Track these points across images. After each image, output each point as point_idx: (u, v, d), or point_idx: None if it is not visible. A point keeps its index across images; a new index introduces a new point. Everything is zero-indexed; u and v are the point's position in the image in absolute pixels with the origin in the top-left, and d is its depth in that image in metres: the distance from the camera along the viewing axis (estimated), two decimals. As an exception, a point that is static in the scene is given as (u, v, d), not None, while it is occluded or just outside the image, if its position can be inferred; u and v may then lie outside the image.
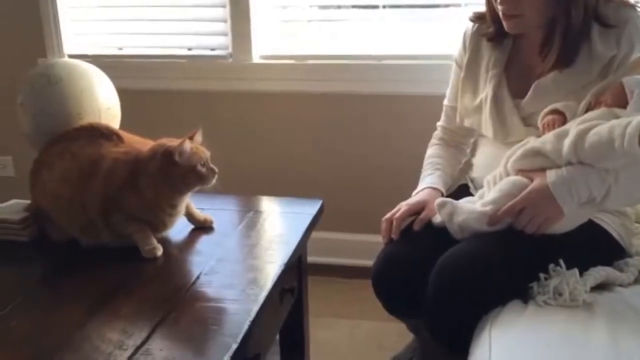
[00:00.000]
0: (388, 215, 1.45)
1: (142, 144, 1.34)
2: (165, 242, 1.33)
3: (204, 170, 1.28)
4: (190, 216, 1.41)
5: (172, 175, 1.26)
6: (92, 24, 2.49)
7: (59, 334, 1.02)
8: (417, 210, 1.44)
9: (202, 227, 1.41)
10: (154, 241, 1.29)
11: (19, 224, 1.36)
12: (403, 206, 1.46)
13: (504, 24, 1.39)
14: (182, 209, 1.35)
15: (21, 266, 1.30)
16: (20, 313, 1.09)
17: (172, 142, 1.27)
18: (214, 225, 1.42)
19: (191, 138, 1.29)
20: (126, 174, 1.28)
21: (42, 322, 1.07)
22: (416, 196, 1.51)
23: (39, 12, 2.42)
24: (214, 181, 1.30)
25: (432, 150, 1.64)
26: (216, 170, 1.29)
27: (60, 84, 1.39)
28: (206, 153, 1.29)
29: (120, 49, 2.48)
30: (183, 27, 2.41)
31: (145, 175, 1.27)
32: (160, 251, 1.28)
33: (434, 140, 1.68)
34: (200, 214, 1.42)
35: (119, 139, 1.35)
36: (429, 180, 1.55)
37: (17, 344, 1.01)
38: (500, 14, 1.38)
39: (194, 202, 1.41)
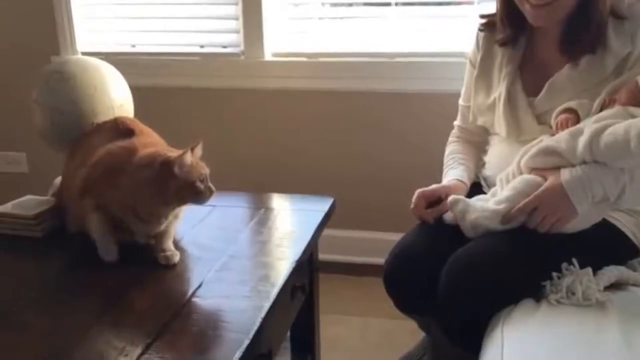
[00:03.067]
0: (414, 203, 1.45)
1: (149, 145, 1.27)
2: (176, 239, 1.34)
3: (202, 186, 1.21)
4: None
5: (167, 187, 1.19)
6: (105, 21, 2.50)
7: (72, 330, 1.03)
8: (443, 194, 1.43)
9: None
10: (171, 246, 1.26)
11: (33, 219, 1.37)
12: (418, 193, 1.45)
13: (531, 16, 1.36)
14: (162, 220, 1.25)
15: (35, 261, 1.31)
16: (33, 308, 1.10)
17: (171, 152, 1.22)
18: (225, 222, 1.42)
19: (192, 150, 1.22)
20: (111, 166, 1.23)
21: (56, 317, 1.08)
22: (443, 182, 1.50)
23: (52, 10, 2.44)
24: (209, 200, 1.23)
25: (453, 147, 1.63)
26: (214, 189, 1.23)
27: (73, 80, 1.40)
28: (206, 169, 1.23)
29: (133, 46, 2.49)
30: (195, 24, 2.42)
31: (130, 178, 1.20)
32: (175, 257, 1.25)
33: (452, 139, 1.66)
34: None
35: (131, 134, 1.31)
36: (454, 174, 1.52)
37: (30, 339, 1.01)
38: (528, 6, 1.36)
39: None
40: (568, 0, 1.33)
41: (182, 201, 1.24)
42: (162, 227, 1.26)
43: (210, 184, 1.23)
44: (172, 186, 1.19)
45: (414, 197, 1.45)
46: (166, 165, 1.18)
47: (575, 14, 1.35)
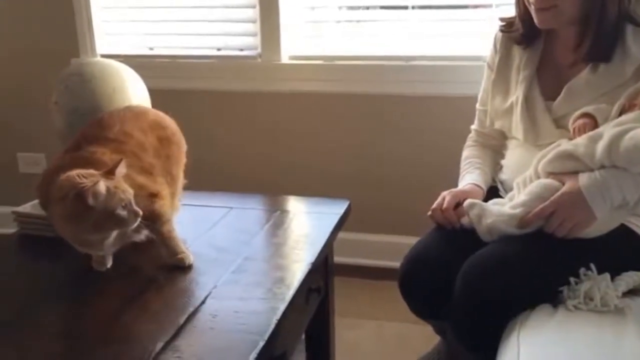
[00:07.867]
0: (435, 205, 1.43)
1: (78, 163, 1.13)
2: (189, 239, 1.35)
3: (124, 213, 1.09)
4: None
5: (84, 219, 1.07)
6: (124, 24, 2.53)
7: (89, 329, 1.04)
8: (461, 199, 1.41)
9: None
10: (183, 247, 1.24)
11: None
12: (447, 195, 1.44)
13: (536, 17, 1.37)
14: (100, 246, 1.15)
15: (53, 262, 1.32)
16: (51, 308, 1.12)
17: (86, 176, 1.08)
18: (241, 224, 1.42)
19: (111, 172, 1.10)
20: (42, 192, 1.16)
21: (73, 317, 1.09)
22: (460, 187, 1.49)
23: (72, 13, 2.47)
24: (135, 225, 1.12)
25: (469, 152, 1.62)
26: (140, 212, 1.11)
27: (93, 82, 1.42)
28: (128, 192, 1.10)
29: (152, 49, 2.51)
30: (213, 27, 2.43)
31: (50, 211, 1.12)
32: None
33: (469, 142, 1.65)
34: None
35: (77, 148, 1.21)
36: (470, 178, 1.52)
37: (47, 338, 1.02)
38: (533, 8, 1.37)
39: (217, 200, 1.37)
40: (568, 6, 1.33)
41: (106, 230, 1.11)
42: (106, 249, 1.18)
43: (135, 207, 1.11)
44: (89, 218, 1.07)
45: (446, 198, 1.43)
46: (79, 197, 1.05)
47: (588, 18, 1.34)
